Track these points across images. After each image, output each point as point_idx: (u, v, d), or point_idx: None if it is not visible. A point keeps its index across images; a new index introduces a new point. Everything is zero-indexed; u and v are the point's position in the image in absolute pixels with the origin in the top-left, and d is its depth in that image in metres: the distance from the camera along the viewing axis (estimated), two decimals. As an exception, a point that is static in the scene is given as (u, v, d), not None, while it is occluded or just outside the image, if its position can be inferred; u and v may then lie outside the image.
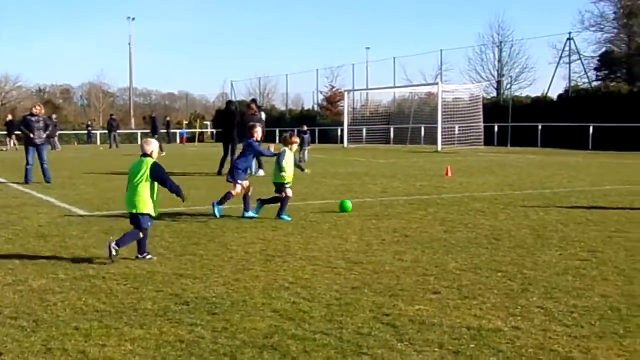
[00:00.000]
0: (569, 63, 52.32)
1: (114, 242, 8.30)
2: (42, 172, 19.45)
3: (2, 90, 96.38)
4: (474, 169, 25.54)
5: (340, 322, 5.84)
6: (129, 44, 79.70)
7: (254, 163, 19.02)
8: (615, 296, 6.71)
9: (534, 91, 61.13)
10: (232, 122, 22.67)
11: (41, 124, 19.70)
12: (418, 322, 5.84)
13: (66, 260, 8.49)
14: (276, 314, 6.11)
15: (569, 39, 52.15)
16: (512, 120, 47.71)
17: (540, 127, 45.85)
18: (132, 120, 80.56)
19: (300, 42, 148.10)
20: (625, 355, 5.01)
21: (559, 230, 10.76)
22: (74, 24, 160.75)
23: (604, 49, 58.67)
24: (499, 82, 61.51)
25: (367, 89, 64.93)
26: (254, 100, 24.19)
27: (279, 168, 12.20)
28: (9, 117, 53.09)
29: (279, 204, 12.26)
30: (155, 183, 8.58)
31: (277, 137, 67.58)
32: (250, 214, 12.27)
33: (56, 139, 47.92)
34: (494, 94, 60.76)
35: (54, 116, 50.83)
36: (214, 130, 71.50)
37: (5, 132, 52.08)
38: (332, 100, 76.99)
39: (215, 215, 12.20)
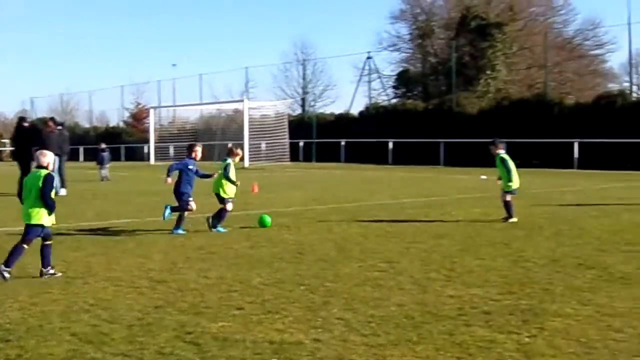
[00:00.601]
0: (369, 81, 54.66)
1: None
2: None
3: None
4: (280, 184, 25.96)
5: (142, 343, 5.72)
6: None
7: (57, 180, 18.11)
8: (410, 305, 7.05)
9: (338, 108, 63.14)
10: (26, 139, 21.57)
11: None
12: (221, 339, 5.84)
13: None
14: (75, 338, 5.89)
15: (368, 58, 54.52)
16: (316, 137, 49.01)
17: (343, 142, 47.40)
18: None
19: (105, 58, 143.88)
20: (418, 361, 5.29)
21: (359, 243, 11.16)
22: None
23: (401, 68, 61.68)
24: (303, 100, 63.02)
25: (173, 105, 64.32)
26: (52, 119, 23.45)
27: (229, 181, 12.78)
28: None
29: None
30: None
31: (82, 155, 65.53)
32: (180, 231, 12.46)
33: None
34: (299, 110, 62.17)
35: None
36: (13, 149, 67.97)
37: None
38: (139, 117, 75.45)
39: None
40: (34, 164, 9.34)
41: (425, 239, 11.56)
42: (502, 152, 14.15)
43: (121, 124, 73.98)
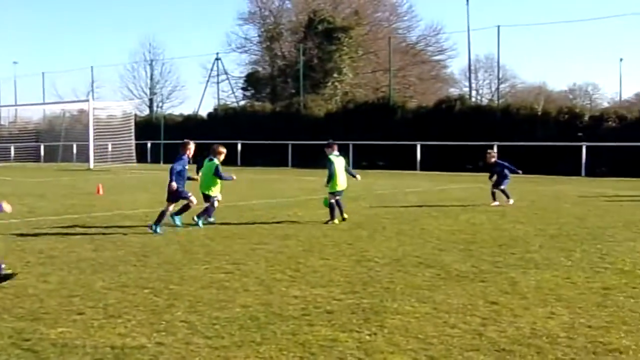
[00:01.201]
0: (218, 83, 54.41)
1: None
2: None
3: None
4: (125, 186, 25.38)
5: (-26, 353, 5.46)
6: None
7: None
8: (255, 306, 7.10)
9: (186, 109, 62.54)
10: None
11: None
12: (60, 345, 5.67)
13: None
14: None
15: (217, 59, 54.23)
16: (164, 138, 48.22)
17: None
18: None
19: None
20: (261, 361, 5.34)
21: (206, 245, 11.10)
22: None
23: (250, 70, 61.80)
24: (151, 100, 61.90)
25: (15, 105, 61.42)
26: None
27: (222, 179, 13.86)
28: None
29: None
30: None
31: None
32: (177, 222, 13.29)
33: None
34: (147, 111, 61.02)
35: None
36: None
37: None
38: (-23, 116, 71.43)
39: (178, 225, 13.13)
40: None
41: (271, 240, 11.65)
42: (333, 154, 14.38)
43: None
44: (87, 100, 45.64)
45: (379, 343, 5.90)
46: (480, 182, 26.83)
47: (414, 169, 36.30)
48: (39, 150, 53.79)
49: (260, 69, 61.92)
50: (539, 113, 35.20)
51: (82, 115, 53.60)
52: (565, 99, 60.99)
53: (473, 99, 50.76)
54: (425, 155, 36.53)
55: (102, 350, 5.52)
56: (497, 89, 53.65)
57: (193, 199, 13.23)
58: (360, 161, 35.73)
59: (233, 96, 57.71)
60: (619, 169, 29.28)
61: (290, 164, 41.27)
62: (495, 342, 5.94)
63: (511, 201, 16.76)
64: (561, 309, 7.10)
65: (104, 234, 12.29)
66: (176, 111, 59.72)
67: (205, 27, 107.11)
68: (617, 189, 22.58)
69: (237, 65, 64.29)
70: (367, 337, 6.02)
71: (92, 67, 62.00)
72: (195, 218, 13.38)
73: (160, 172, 35.52)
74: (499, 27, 40.35)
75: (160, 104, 61.86)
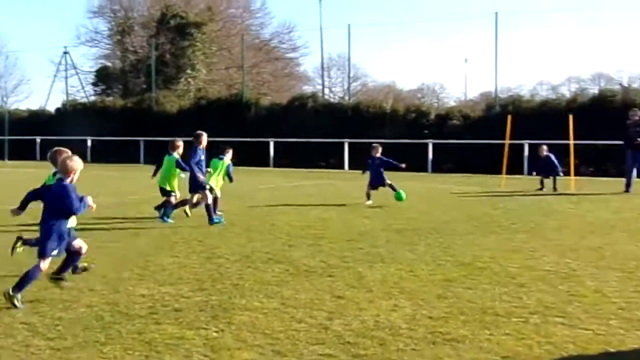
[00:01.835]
0: (66, 77, 52.52)
1: None
2: None
3: None
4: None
5: None
6: None
7: None
8: (100, 305, 6.95)
9: (33, 104, 60.01)
10: None
11: None
12: None
13: None
14: None
15: (65, 52, 52.37)
16: (9, 134, 46.11)
17: (39, 140, 45.05)
18: None
19: None
20: (105, 362, 5.23)
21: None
22: None
23: (100, 65, 60.01)
24: (-6, 94, 58.94)
25: None
26: None
27: (183, 170, 13.76)
28: None
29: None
30: None
31: None
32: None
33: None
34: (-11, 105, 58.05)
35: None
36: None
37: None
38: None
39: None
40: None
41: (120, 237, 11.42)
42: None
43: None
44: None
45: (226, 340, 5.92)
46: (333, 178, 27.37)
47: (268, 165, 36.46)
48: None
49: (110, 63, 60.26)
50: (388, 111, 36.21)
51: None
52: (414, 97, 62.95)
53: (326, 97, 51.57)
54: (279, 151, 36.78)
55: None
56: (349, 87, 54.70)
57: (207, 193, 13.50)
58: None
59: (83, 91, 55.93)
60: (463, 166, 30.56)
61: (142, 160, 40.45)
62: (341, 335, 6.09)
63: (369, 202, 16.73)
64: (404, 301, 7.36)
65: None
66: (22, 106, 57.27)
67: (54, 19, 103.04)
68: (461, 184, 23.58)
69: (87, 60, 62.35)
70: (214, 334, 6.03)
71: None
72: (164, 219, 13.53)
73: (4, 170, 33.95)
74: (349, 25, 41.38)
75: (4, 99, 58.96)
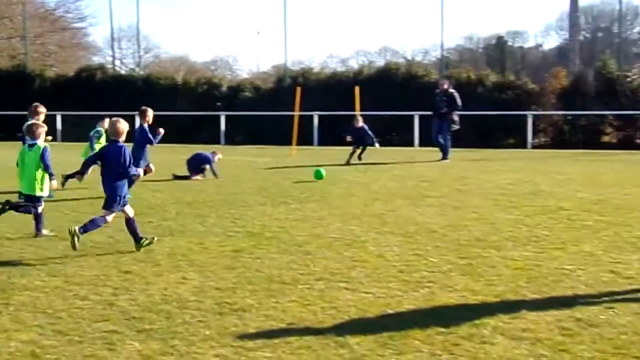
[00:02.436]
0: None
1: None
2: None
3: None
4: None
5: None
6: None
7: None
8: None
9: None
10: None
11: None
12: None
13: None
14: None
15: None
16: None
17: None
18: None
19: None
20: None
21: None
22: None
23: None
24: None
25: None
26: None
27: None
28: None
29: None
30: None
31: None
32: None
33: None
34: None
35: None
36: None
37: None
38: None
39: None
40: None
41: None
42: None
43: None
44: None
45: (4, 321, 5.65)
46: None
47: (55, 140, 34.79)
48: None
49: None
50: (180, 83, 35.73)
51: None
52: (208, 70, 62.46)
53: (118, 68, 49.96)
54: (67, 124, 35.23)
55: None
56: (139, 58, 53.29)
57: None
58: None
59: None
60: (254, 137, 30.81)
61: None
62: (126, 310, 5.97)
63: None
64: (193, 273, 7.34)
65: None
66: None
67: None
68: (253, 156, 23.77)
69: None
70: (-10, 317, 5.70)
71: None
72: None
73: None
74: (138, -5, 40.12)
75: None
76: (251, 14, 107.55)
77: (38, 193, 9.39)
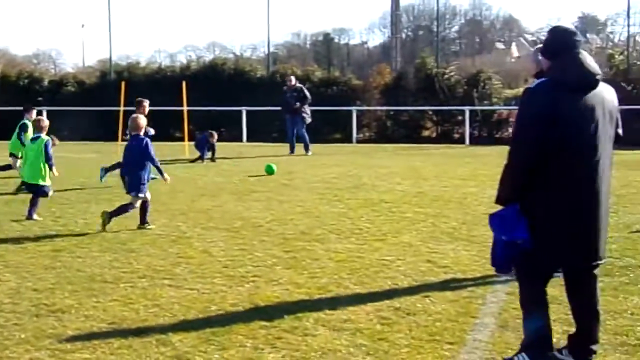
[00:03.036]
0: None
1: None
2: None
3: None
4: None
5: None
6: None
7: None
8: None
9: None
10: None
11: None
12: None
13: None
14: None
15: None
16: None
17: None
18: None
19: None
20: None
21: None
22: None
23: None
24: None
25: None
26: None
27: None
28: None
29: None
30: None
31: None
32: None
33: None
34: None
35: None
36: None
37: None
38: None
39: None
40: None
41: None
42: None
43: None
44: None
45: None
46: None
47: None
48: None
49: None
50: (-1, 76, 33.91)
51: None
52: (30, 63, 59.59)
53: None
54: None
55: None
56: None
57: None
58: None
59: None
60: (79, 133, 29.72)
61: None
62: None
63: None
64: (8, 274, 7.05)
65: None
66: None
67: None
68: (78, 152, 22.92)
69: None
70: None
71: None
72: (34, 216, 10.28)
73: None
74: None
75: None
76: (75, 7, 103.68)
77: (41, 182, 10.39)
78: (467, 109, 25.51)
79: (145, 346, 5.04)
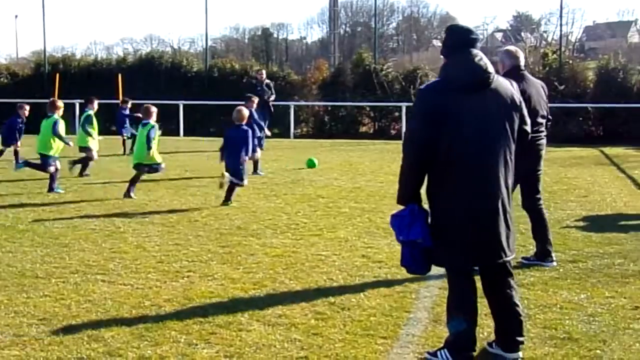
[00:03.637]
0: None
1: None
2: None
3: None
4: None
5: None
6: None
7: None
8: None
9: None
10: None
11: None
12: None
13: None
14: None
15: None
16: None
17: None
18: None
19: None
20: None
21: None
22: None
23: None
24: None
25: None
26: None
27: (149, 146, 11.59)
28: None
29: None
30: None
31: None
32: None
33: None
34: None
35: None
36: None
37: None
38: None
39: None
40: None
41: None
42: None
43: None
44: None
45: None
46: None
47: None
48: None
49: None
50: None
51: None
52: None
53: None
54: None
55: None
56: None
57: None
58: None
59: None
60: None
61: None
62: None
63: None
64: None
65: None
66: None
67: None
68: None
69: None
70: None
71: None
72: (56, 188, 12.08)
73: None
74: None
75: None
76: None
77: (50, 153, 11.99)
78: (404, 105, 25.69)
79: (76, 342, 4.97)
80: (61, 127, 12.24)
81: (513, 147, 4.60)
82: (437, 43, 70.17)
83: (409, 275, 5.18)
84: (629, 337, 5.16)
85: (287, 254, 7.72)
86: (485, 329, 5.05)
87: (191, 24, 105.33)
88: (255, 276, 6.80)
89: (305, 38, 75.67)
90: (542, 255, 7.22)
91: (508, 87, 4.64)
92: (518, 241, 6.15)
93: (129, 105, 19.93)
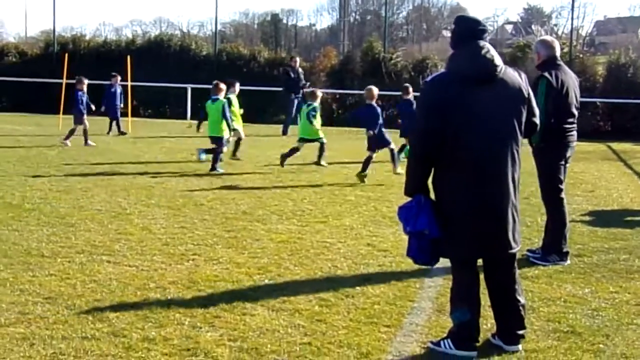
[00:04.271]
0: None
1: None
2: None
3: None
4: None
5: None
6: None
7: None
8: None
9: None
10: None
11: None
12: None
13: None
14: None
15: None
16: None
17: None
18: None
19: None
20: None
21: None
22: None
23: None
24: None
25: None
26: None
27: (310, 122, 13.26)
28: None
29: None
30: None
31: None
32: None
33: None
34: None
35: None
36: None
37: None
38: None
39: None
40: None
41: None
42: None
43: None
44: None
45: None
46: None
47: None
48: None
49: None
50: None
51: None
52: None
53: None
54: None
55: None
56: None
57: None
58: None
59: None
60: (20, 104, 29.08)
61: None
62: None
63: None
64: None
65: None
66: None
67: None
68: (20, 124, 22.45)
69: None
70: None
71: None
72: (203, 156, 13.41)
73: None
74: None
75: None
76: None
77: (221, 134, 12.99)
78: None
79: (81, 322, 5.00)
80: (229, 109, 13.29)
81: (520, 139, 4.60)
82: (447, 33, 69.93)
83: (414, 265, 5.18)
84: (632, 332, 5.16)
85: (293, 240, 7.73)
86: (489, 320, 5.05)
87: (201, 8, 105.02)
88: (260, 261, 6.81)
89: (314, 25, 75.53)
90: (548, 250, 7.15)
91: (516, 79, 4.61)
92: (523, 234, 6.15)
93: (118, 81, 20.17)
